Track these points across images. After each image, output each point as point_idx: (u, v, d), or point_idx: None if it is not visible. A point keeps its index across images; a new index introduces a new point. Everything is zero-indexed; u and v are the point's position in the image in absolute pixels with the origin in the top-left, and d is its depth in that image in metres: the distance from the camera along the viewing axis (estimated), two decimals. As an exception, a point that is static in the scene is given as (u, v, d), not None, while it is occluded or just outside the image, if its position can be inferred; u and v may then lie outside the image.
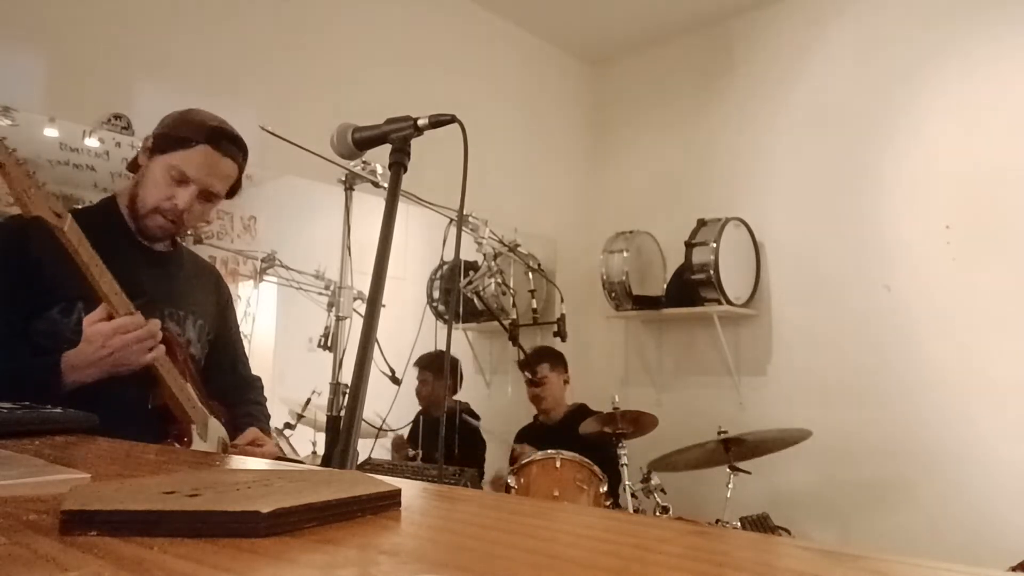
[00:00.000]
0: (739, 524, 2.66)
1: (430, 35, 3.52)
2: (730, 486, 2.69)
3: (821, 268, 3.36)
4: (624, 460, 2.63)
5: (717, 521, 2.68)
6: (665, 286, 3.69)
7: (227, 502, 0.43)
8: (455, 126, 1.13)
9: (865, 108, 3.30)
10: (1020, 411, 2.77)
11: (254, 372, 1.85)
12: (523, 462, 2.66)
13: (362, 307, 1.03)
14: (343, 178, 1.95)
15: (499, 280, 2.61)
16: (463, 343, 3.95)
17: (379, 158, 1.54)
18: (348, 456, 0.92)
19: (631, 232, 3.68)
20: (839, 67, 3.42)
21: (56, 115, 2.47)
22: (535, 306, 2.91)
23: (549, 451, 2.64)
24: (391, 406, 2.28)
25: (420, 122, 1.13)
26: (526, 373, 3.08)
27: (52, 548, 0.38)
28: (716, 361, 3.62)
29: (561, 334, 2.48)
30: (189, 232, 2.46)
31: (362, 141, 1.18)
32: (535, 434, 3.23)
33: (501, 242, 2.32)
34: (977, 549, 2.76)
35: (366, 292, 1.00)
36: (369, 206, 1.88)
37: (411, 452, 3.05)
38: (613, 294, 3.65)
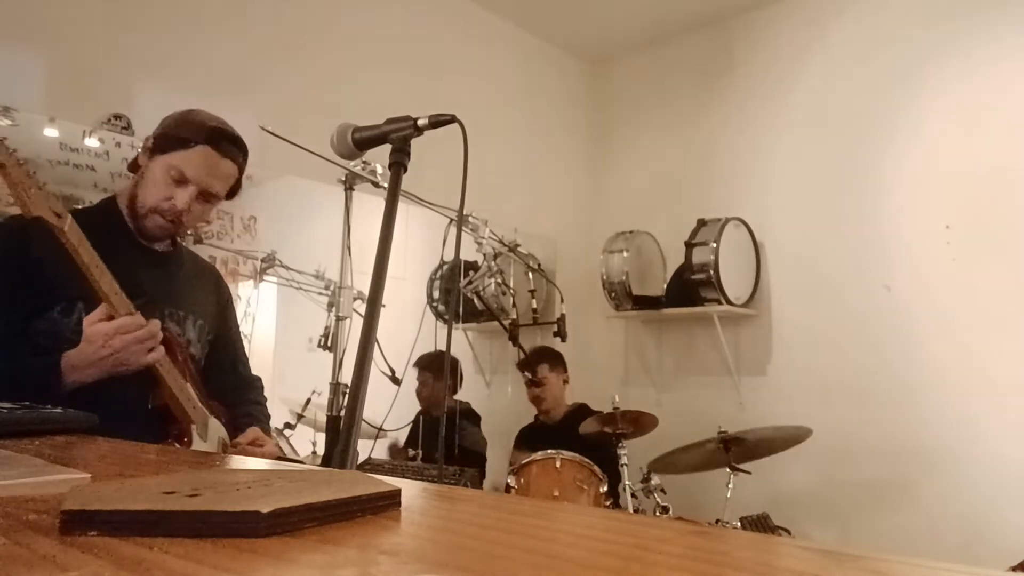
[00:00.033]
0: (739, 524, 2.66)
1: (430, 35, 3.52)
2: (730, 486, 2.69)
3: (821, 268, 3.36)
4: (624, 460, 2.63)
5: (717, 521, 2.67)
6: (665, 286, 3.69)
7: (227, 502, 0.43)
8: (455, 126, 1.13)
9: (865, 108, 3.30)
10: (1020, 411, 2.77)
11: (254, 372, 1.85)
12: (523, 462, 2.66)
13: (362, 307, 1.03)
14: (343, 178, 1.95)
15: (499, 280, 2.61)
16: (463, 343, 3.95)
17: (379, 158, 1.54)
18: (348, 456, 0.92)
19: (631, 232, 3.68)
20: (839, 67, 3.42)
21: (56, 115, 2.47)
22: (535, 306, 2.91)
23: (549, 451, 2.64)
24: (391, 406, 2.28)
25: (420, 122, 1.13)
26: (526, 374, 3.08)
27: (52, 548, 0.38)
28: (716, 361, 3.62)
29: (561, 334, 2.48)
30: (189, 232, 2.46)
31: (362, 141, 1.18)
32: (535, 434, 3.24)
33: (501, 242, 2.32)
34: (977, 549, 2.76)
35: (366, 292, 1.00)
36: (369, 206, 1.88)
37: (411, 452, 3.05)
38: (613, 294, 3.65)
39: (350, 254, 1.96)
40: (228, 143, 1.50)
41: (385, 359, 2.18)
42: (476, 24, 3.80)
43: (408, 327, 2.39)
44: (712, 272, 3.26)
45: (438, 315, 3.50)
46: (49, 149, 2.62)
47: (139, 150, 1.52)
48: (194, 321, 1.60)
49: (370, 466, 2.68)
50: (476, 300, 3.27)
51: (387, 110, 1.21)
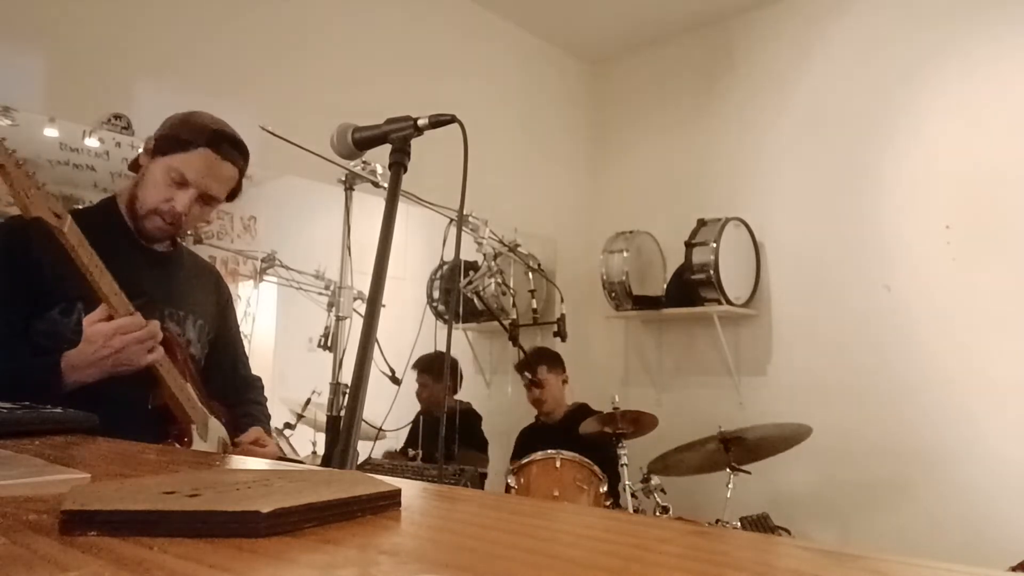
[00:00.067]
0: (739, 524, 2.66)
1: (430, 35, 3.52)
2: (730, 486, 2.69)
3: (821, 268, 3.37)
4: (624, 460, 2.63)
5: (717, 521, 2.67)
6: (665, 286, 3.69)
7: (227, 502, 0.43)
8: (455, 126, 1.13)
9: (865, 108, 3.30)
10: (1020, 411, 2.77)
11: (254, 372, 1.85)
12: (523, 462, 2.66)
13: (362, 307, 1.03)
14: (343, 178, 1.95)
15: (499, 280, 2.61)
16: (463, 343, 3.95)
17: (379, 158, 1.54)
18: (348, 456, 0.92)
19: (631, 232, 3.68)
20: (839, 67, 3.42)
21: (56, 115, 2.47)
22: (535, 306, 2.91)
23: (549, 451, 2.64)
24: (391, 407, 2.28)
25: (420, 122, 1.13)
26: (526, 374, 3.08)
27: (52, 548, 0.38)
28: (716, 361, 3.62)
29: (561, 334, 2.48)
30: (189, 232, 2.46)
31: (362, 141, 1.18)
32: (536, 434, 3.23)
33: (501, 242, 2.32)
34: (977, 549, 2.76)
35: (366, 292, 1.00)
36: (369, 206, 1.88)
37: (411, 452, 3.05)
38: (613, 294, 3.65)
39: (350, 254, 1.96)
40: (229, 146, 1.50)
41: (385, 359, 2.18)
42: (476, 24, 3.80)
43: (408, 327, 2.39)
44: (712, 272, 3.26)
45: (438, 315, 3.50)
46: (49, 149, 2.62)
47: (140, 150, 1.52)
48: (194, 321, 1.60)
49: (370, 466, 2.68)
50: (476, 300, 3.27)
51: (387, 110, 1.21)
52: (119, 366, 1.30)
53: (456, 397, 3.47)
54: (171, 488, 0.46)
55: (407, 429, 3.30)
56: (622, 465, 2.63)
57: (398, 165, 1.12)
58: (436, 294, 3.69)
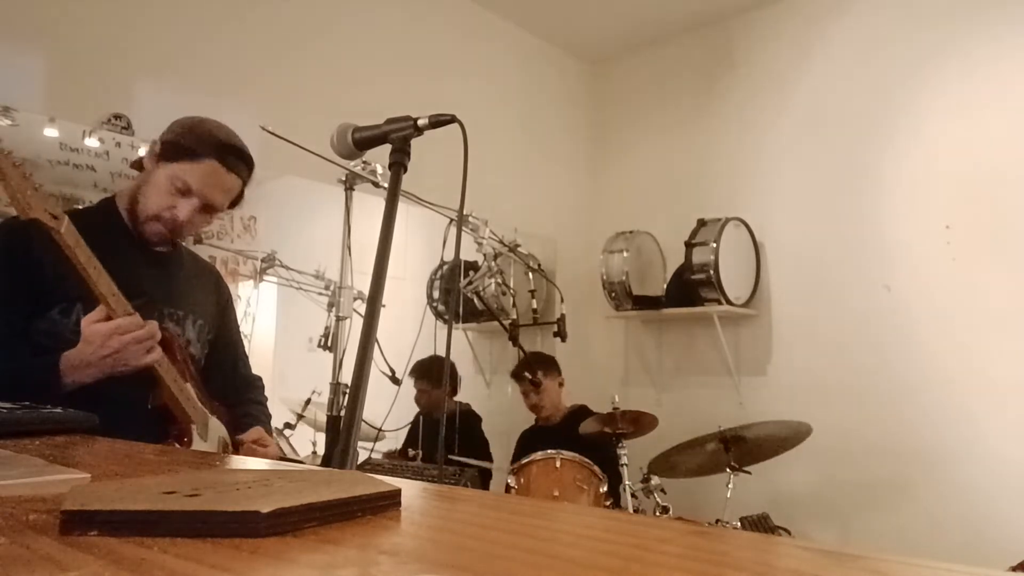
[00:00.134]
0: (739, 524, 2.66)
1: (430, 35, 3.52)
2: (730, 486, 2.69)
3: (821, 268, 3.37)
4: (624, 460, 2.63)
5: (717, 521, 2.67)
6: (665, 286, 3.69)
7: (227, 502, 0.43)
8: (455, 126, 1.13)
9: (865, 108, 3.30)
10: (1020, 411, 2.77)
11: (254, 372, 1.85)
12: (523, 462, 2.66)
13: (362, 307, 1.03)
14: (343, 178, 1.95)
15: (499, 280, 2.61)
16: (463, 343, 3.94)
17: (379, 158, 1.54)
18: (348, 456, 0.92)
19: (631, 232, 3.68)
20: (839, 67, 3.42)
21: (56, 115, 2.47)
22: (535, 306, 2.91)
23: (549, 451, 2.64)
24: (391, 407, 2.28)
25: (420, 122, 1.13)
26: (526, 374, 3.08)
27: (52, 548, 0.38)
28: (716, 361, 3.63)
29: (561, 334, 2.48)
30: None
31: (362, 141, 1.18)
32: (537, 436, 3.23)
33: (501, 242, 2.32)
34: (977, 549, 2.76)
35: (366, 292, 1.00)
36: (369, 206, 1.88)
37: (411, 452, 3.05)
38: (613, 294, 3.65)
39: (350, 254, 1.96)
40: (235, 158, 1.50)
41: (385, 359, 2.17)
42: (476, 24, 3.80)
43: (408, 327, 2.39)
44: (712, 272, 3.26)
45: (438, 315, 3.50)
46: (49, 149, 2.62)
47: (140, 150, 1.52)
48: (194, 321, 1.60)
49: (370, 466, 2.68)
50: (476, 300, 3.27)
51: (387, 110, 1.21)
52: (117, 366, 1.29)
53: (455, 399, 3.47)
54: (171, 488, 0.46)
55: (407, 429, 3.30)
56: (622, 465, 2.63)
57: (398, 165, 1.12)
58: (436, 294, 3.69)
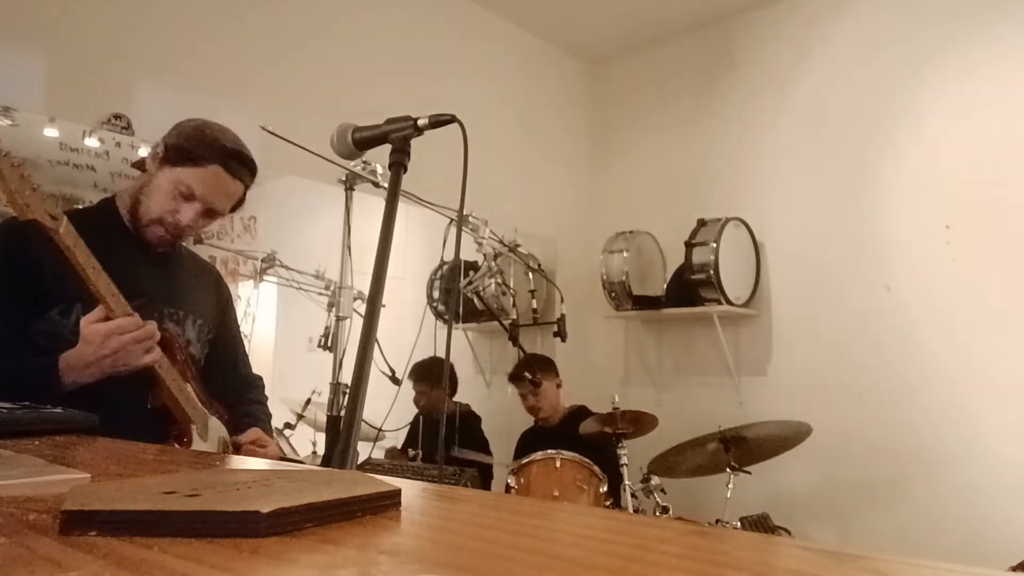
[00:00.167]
0: (739, 524, 2.66)
1: (430, 35, 3.52)
2: (730, 486, 2.69)
3: (821, 268, 3.37)
4: (624, 460, 2.63)
5: (717, 521, 2.67)
6: (665, 286, 3.69)
7: (227, 502, 0.43)
8: (455, 126, 1.13)
9: (865, 108, 3.30)
10: (1020, 411, 2.77)
11: (254, 372, 1.85)
12: (523, 462, 2.66)
13: (362, 307, 1.03)
14: (343, 178, 1.95)
15: (499, 280, 2.61)
16: (463, 343, 3.94)
17: (379, 158, 1.54)
18: (348, 456, 0.92)
19: (631, 232, 3.68)
20: (839, 67, 3.42)
21: (56, 115, 2.47)
22: (535, 306, 2.91)
23: (549, 451, 2.64)
24: (391, 407, 2.28)
25: (420, 122, 1.13)
26: (525, 375, 3.08)
27: (52, 548, 0.38)
28: (716, 361, 3.63)
29: (561, 334, 2.48)
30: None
31: (362, 141, 1.18)
32: (537, 437, 3.23)
33: (501, 242, 2.32)
34: (977, 549, 2.76)
35: (366, 292, 1.00)
36: (369, 206, 1.88)
37: (411, 452, 3.05)
38: (613, 294, 3.65)
39: (350, 254, 1.96)
40: (239, 164, 1.50)
41: (385, 359, 2.18)
42: (476, 24, 3.80)
43: (408, 327, 2.39)
44: (712, 272, 3.26)
45: (438, 315, 3.50)
46: (49, 149, 2.62)
47: (145, 151, 1.52)
48: (194, 321, 1.60)
49: (370, 466, 2.68)
50: (476, 300, 3.27)
51: (387, 110, 1.21)
52: (116, 366, 1.29)
53: (453, 399, 3.47)
54: (171, 488, 0.46)
55: (407, 429, 3.30)
56: (622, 465, 2.63)
57: (398, 165, 1.12)
58: (436, 294, 3.69)
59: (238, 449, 1.58)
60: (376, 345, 1.01)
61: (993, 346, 2.85)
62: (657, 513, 2.54)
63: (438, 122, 1.13)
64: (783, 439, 2.80)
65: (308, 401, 3.49)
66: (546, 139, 4.15)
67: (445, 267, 3.59)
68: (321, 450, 3.22)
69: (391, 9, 3.36)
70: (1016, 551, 2.21)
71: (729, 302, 3.33)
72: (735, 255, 3.39)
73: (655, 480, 2.63)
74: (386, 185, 1.11)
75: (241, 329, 1.90)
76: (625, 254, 3.59)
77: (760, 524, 2.75)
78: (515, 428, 3.43)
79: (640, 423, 2.77)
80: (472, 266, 2.81)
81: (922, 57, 3.15)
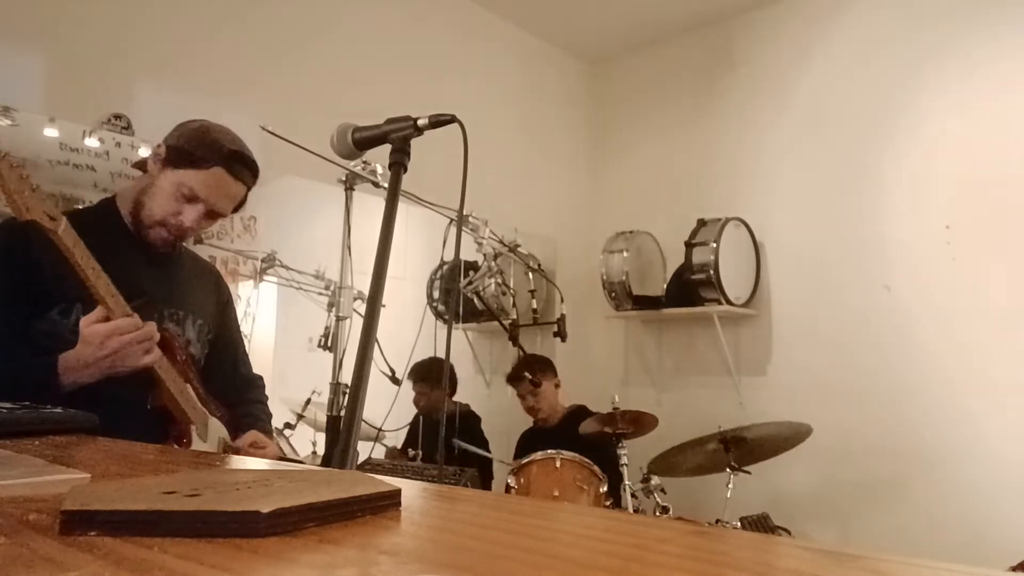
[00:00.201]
0: (739, 524, 2.66)
1: (430, 35, 3.52)
2: (730, 486, 2.69)
3: (821, 268, 3.37)
4: (624, 460, 2.63)
5: (717, 521, 2.67)
6: (665, 286, 3.69)
7: (227, 502, 0.43)
8: (455, 126, 1.13)
9: (865, 108, 3.30)
10: (1020, 411, 2.77)
11: (255, 372, 1.85)
12: (523, 462, 2.66)
13: (362, 307, 1.03)
14: (343, 178, 1.95)
15: (499, 280, 2.61)
16: (463, 343, 3.94)
17: (379, 158, 1.54)
18: (348, 456, 0.92)
19: (631, 232, 3.68)
20: (839, 67, 3.42)
21: (56, 115, 2.47)
22: (535, 306, 2.91)
23: (549, 451, 2.64)
24: (391, 407, 2.28)
25: (420, 122, 1.13)
26: (525, 375, 3.08)
27: (52, 548, 0.38)
28: (716, 361, 3.62)
29: (561, 334, 2.48)
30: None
31: (362, 141, 1.18)
32: (536, 437, 3.23)
33: (501, 242, 2.32)
34: (977, 549, 2.76)
35: (366, 292, 1.00)
36: (369, 206, 1.88)
37: (411, 452, 3.05)
38: (613, 294, 3.65)
39: (350, 254, 1.96)
40: (242, 166, 1.50)
41: (385, 359, 2.18)
42: (476, 24, 3.80)
43: (408, 327, 2.39)
44: (712, 272, 3.26)
45: (438, 315, 3.50)
46: (49, 149, 2.62)
47: (146, 151, 1.52)
48: (194, 321, 1.60)
49: (370, 466, 2.68)
50: (476, 300, 3.27)
51: (387, 110, 1.21)
52: (115, 367, 1.29)
53: (453, 399, 3.47)
54: (171, 488, 0.46)
55: (407, 429, 3.30)
56: (622, 465, 2.63)
57: (398, 165, 1.12)
58: (436, 294, 3.69)
59: (236, 453, 1.58)
60: (376, 345, 1.01)
61: (993, 346, 2.85)
62: (657, 513, 2.53)
63: (438, 122, 1.13)
64: (783, 439, 2.80)
65: (308, 401, 3.49)
66: (546, 139, 4.15)
67: (445, 267, 3.59)
68: (321, 450, 3.22)
69: (391, 9, 3.36)
70: (1016, 551, 2.21)
71: (729, 302, 3.33)
72: (735, 255, 3.39)
73: (655, 480, 2.63)
74: (386, 185, 1.11)
75: (241, 329, 1.90)
76: (625, 254, 3.59)
77: (760, 524, 2.75)
78: (515, 428, 3.43)
79: (640, 423, 2.77)
80: (472, 266, 2.81)
81: (922, 57, 3.15)
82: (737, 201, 3.61)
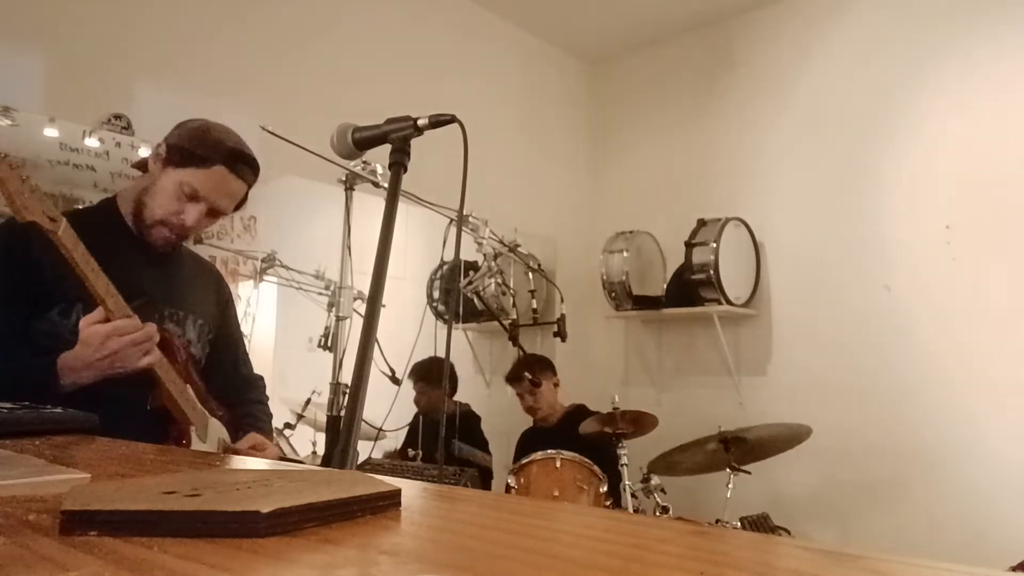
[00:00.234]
0: (739, 524, 2.66)
1: (430, 35, 3.52)
2: (730, 486, 2.69)
3: (821, 268, 3.37)
4: (624, 460, 2.63)
5: (717, 521, 2.67)
6: (665, 286, 3.69)
7: (227, 502, 0.43)
8: (455, 126, 1.13)
9: (865, 108, 3.30)
10: (1020, 411, 2.77)
11: (255, 372, 1.85)
12: (523, 462, 2.66)
13: (362, 307, 1.03)
14: (343, 178, 1.95)
15: (499, 280, 2.61)
16: (463, 343, 3.94)
17: (379, 158, 1.54)
18: (348, 456, 0.92)
19: (631, 232, 3.68)
20: (839, 67, 3.42)
21: (56, 115, 2.47)
22: (535, 306, 2.91)
23: (549, 451, 2.64)
24: (391, 407, 2.28)
25: (420, 122, 1.13)
26: (524, 375, 3.07)
27: (52, 548, 0.38)
28: (716, 361, 3.62)
29: (561, 334, 2.48)
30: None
31: (362, 141, 1.18)
32: (536, 436, 3.23)
33: (501, 242, 2.32)
34: (977, 549, 2.76)
35: (366, 292, 1.00)
36: (369, 206, 1.88)
37: (411, 452, 3.05)
38: (613, 294, 3.65)
39: (350, 254, 1.96)
40: (243, 164, 1.50)
41: (385, 359, 2.17)
42: (476, 24, 3.80)
43: (408, 327, 2.39)
44: (712, 272, 3.26)
45: (438, 315, 3.50)
46: (49, 149, 2.62)
47: (146, 151, 1.52)
48: (194, 321, 1.60)
49: (370, 466, 2.68)
50: (476, 300, 3.26)
51: (387, 110, 1.21)
52: (114, 368, 1.29)
53: (454, 399, 3.47)
54: (171, 488, 0.46)
55: (406, 429, 3.30)
56: (622, 465, 2.63)
57: (398, 165, 1.12)
58: (436, 294, 3.69)
59: (236, 454, 1.58)
60: (376, 345, 1.01)
61: (993, 346, 2.85)
62: (657, 513, 2.53)
63: (438, 122, 1.13)
64: (783, 440, 2.80)
65: (308, 401, 3.49)
66: (546, 139, 4.15)
67: (445, 267, 3.59)
68: (321, 450, 3.22)
69: (391, 9, 3.36)
70: (1016, 551, 2.21)
71: (729, 302, 3.33)
72: (735, 255, 3.39)
73: (655, 480, 2.63)
74: (386, 185, 1.11)
75: (241, 329, 1.90)
76: (625, 254, 3.59)
77: (760, 524, 2.75)
78: (515, 428, 3.43)
79: (640, 423, 2.77)
80: (472, 266, 2.81)
81: (922, 57, 3.15)
82: (737, 201, 3.61)
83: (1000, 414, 2.81)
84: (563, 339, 2.48)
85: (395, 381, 2.24)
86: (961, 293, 2.95)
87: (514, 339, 2.37)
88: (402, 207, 1.09)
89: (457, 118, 1.12)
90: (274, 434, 2.07)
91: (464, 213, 1.21)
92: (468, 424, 3.40)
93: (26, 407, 1.03)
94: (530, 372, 3.06)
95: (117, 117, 2.44)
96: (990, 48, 2.98)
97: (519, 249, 2.46)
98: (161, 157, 1.48)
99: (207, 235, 3.36)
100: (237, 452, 1.57)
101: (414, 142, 1.14)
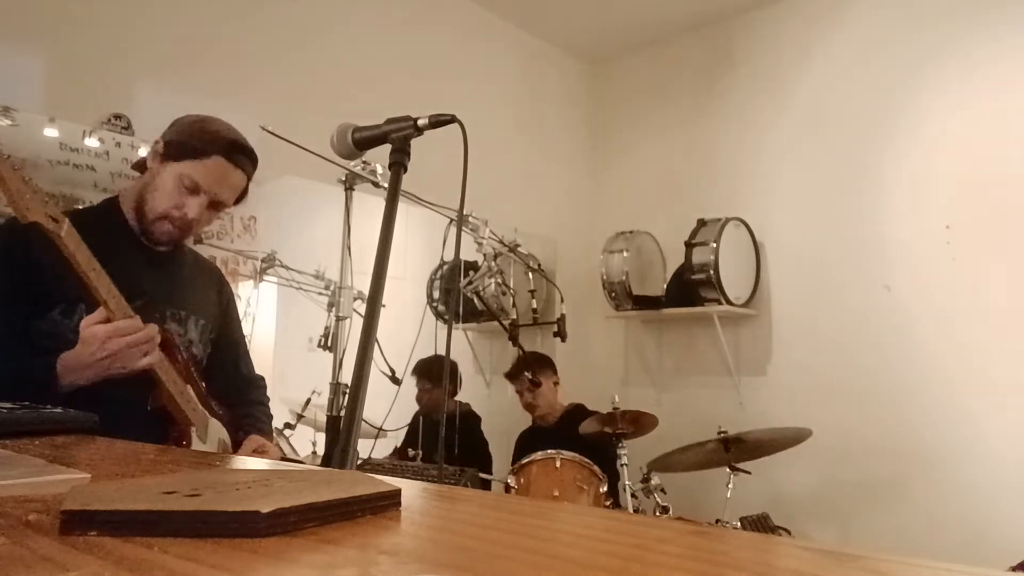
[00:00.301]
0: (739, 524, 2.66)
1: (430, 35, 3.52)
2: (730, 486, 2.69)
3: (821, 268, 3.37)
4: (624, 460, 2.63)
5: (717, 521, 2.68)
6: (665, 286, 3.69)
7: (227, 502, 0.43)
8: (455, 126, 1.13)
9: (865, 108, 3.30)
10: (1020, 411, 2.77)
11: (256, 372, 1.85)
12: (523, 462, 2.66)
13: (362, 307, 1.03)
14: (343, 178, 1.95)
15: (499, 280, 2.61)
16: (463, 343, 3.95)
17: (379, 158, 1.54)
18: (348, 456, 0.92)
19: (631, 232, 3.68)
20: (839, 67, 3.42)
21: (56, 115, 2.47)
22: (535, 306, 2.90)
23: (549, 451, 2.64)
24: (391, 407, 2.28)
25: (420, 122, 1.13)
26: (524, 374, 3.07)
27: (52, 548, 0.38)
28: (716, 361, 3.62)
29: (561, 334, 2.48)
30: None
31: (362, 141, 1.18)
32: (535, 436, 3.23)
33: (501, 242, 2.31)
34: (977, 549, 2.76)
35: (366, 292, 1.00)
36: (369, 206, 1.88)
37: (411, 452, 3.05)
38: (613, 294, 3.65)
39: (350, 254, 1.96)
40: (241, 154, 1.51)
41: (385, 359, 2.17)
42: (476, 24, 3.80)
43: (408, 327, 2.39)
44: (712, 272, 3.26)
45: (438, 315, 3.50)
46: (49, 149, 2.62)
47: (141, 149, 1.53)
48: (196, 321, 1.59)
49: (370, 466, 2.68)
50: (476, 300, 3.26)
51: (387, 110, 1.21)
52: (114, 369, 1.29)
53: (456, 399, 3.47)
54: (171, 488, 0.46)
55: (406, 429, 3.30)
56: (622, 465, 2.63)
57: (398, 165, 1.12)
58: (436, 294, 3.69)
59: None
60: (376, 345, 1.01)
61: (993, 346, 2.85)
62: (657, 513, 2.54)
63: (438, 122, 1.13)
64: (783, 442, 2.80)
65: (308, 401, 3.49)
66: (546, 139, 4.15)
67: (445, 267, 3.60)
68: (321, 450, 3.22)
69: (391, 9, 3.36)
70: (1016, 551, 2.21)
71: (729, 302, 3.33)
72: (735, 255, 3.39)
73: (655, 480, 2.63)
74: (386, 185, 1.11)
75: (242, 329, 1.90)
76: (625, 254, 3.59)
77: (760, 524, 2.75)
78: (515, 428, 3.43)
79: (640, 423, 2.77)
80: (472, 266, 2.81)
81: (922, 57, 3.15)
82: (737, 201, 3.61)
83: (1000, 414, 2.81)
84: (563, 339, 2.48)
85: (395, 381, 2.24)
86: (961, 293, 2.95)
87: (514, 339, 2.36)
88: (402, 207, 1.09)
89: (457, 118, 1.12)
90: (274, 434, 2.07)
91: (464, 213, 1.21)
92: (468, 424, 3.40)
93: (26, 407, 1.03)
94: (530, 371, 3.06)
95: (117, 117, 2.44)
96: (990, 48, 2.98)
97: (519, 249, 2.45)
98: (159, 153, 1.48)
99: (207, 235, 3.36)
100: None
101: (414, 142, 1.14)
